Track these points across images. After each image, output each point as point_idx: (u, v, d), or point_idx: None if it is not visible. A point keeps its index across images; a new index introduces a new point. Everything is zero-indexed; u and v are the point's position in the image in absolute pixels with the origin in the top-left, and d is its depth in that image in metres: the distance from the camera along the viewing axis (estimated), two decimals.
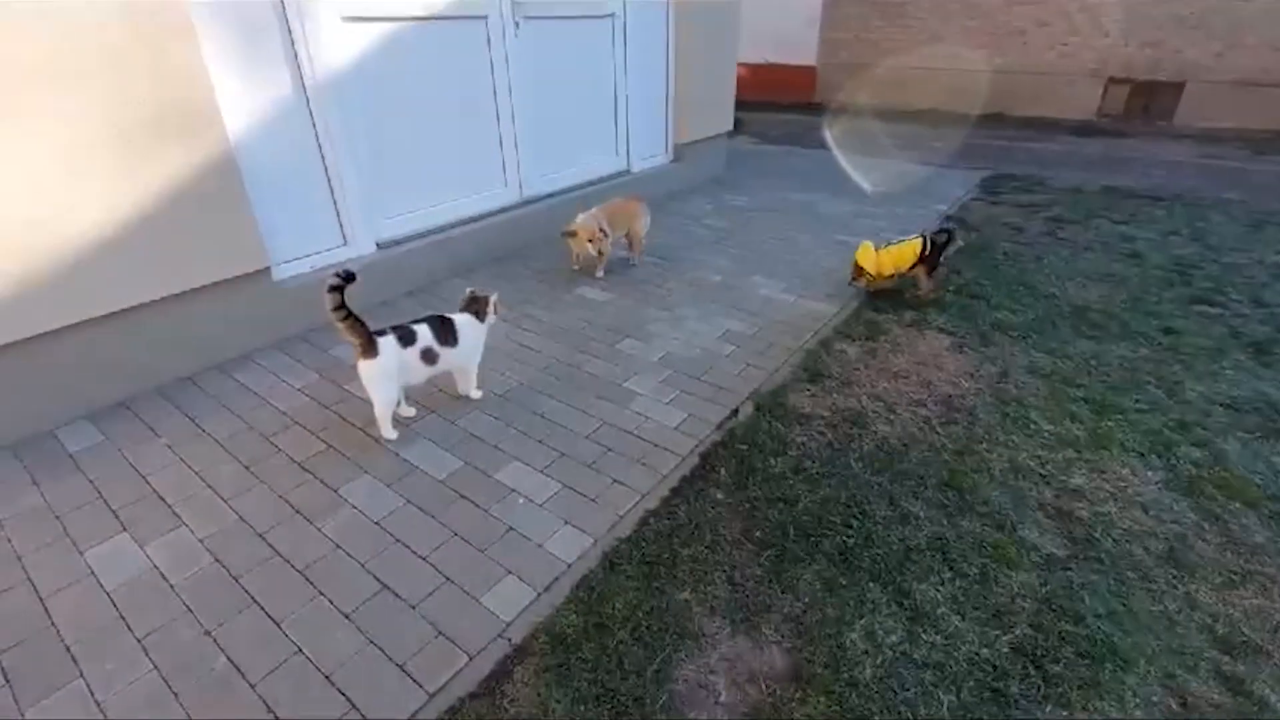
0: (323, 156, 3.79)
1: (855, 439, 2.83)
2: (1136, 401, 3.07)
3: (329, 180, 3.85)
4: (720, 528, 2.39)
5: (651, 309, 4.03)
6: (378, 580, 2.18)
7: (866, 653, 1.95)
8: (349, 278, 2.55)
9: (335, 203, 3.91)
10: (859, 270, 4.00)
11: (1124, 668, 1.91)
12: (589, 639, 1.97)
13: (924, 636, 1.99)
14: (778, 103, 12.22)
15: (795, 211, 5.90)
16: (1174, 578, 2.19)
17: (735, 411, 3.02)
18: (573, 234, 4.22)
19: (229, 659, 1.92)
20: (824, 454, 2.74)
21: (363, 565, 2.24)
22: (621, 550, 2.28)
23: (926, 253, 3.95)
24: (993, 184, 6.66)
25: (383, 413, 2.79)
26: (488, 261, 4.70)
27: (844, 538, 2.33)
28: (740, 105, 7.21)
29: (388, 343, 2.65)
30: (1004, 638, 1.99)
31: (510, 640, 1.97)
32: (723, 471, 2.66)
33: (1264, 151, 8.11)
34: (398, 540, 2.33)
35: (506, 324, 3.82)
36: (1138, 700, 1.83)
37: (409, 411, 3.00)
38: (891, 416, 2.98)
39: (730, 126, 6.84)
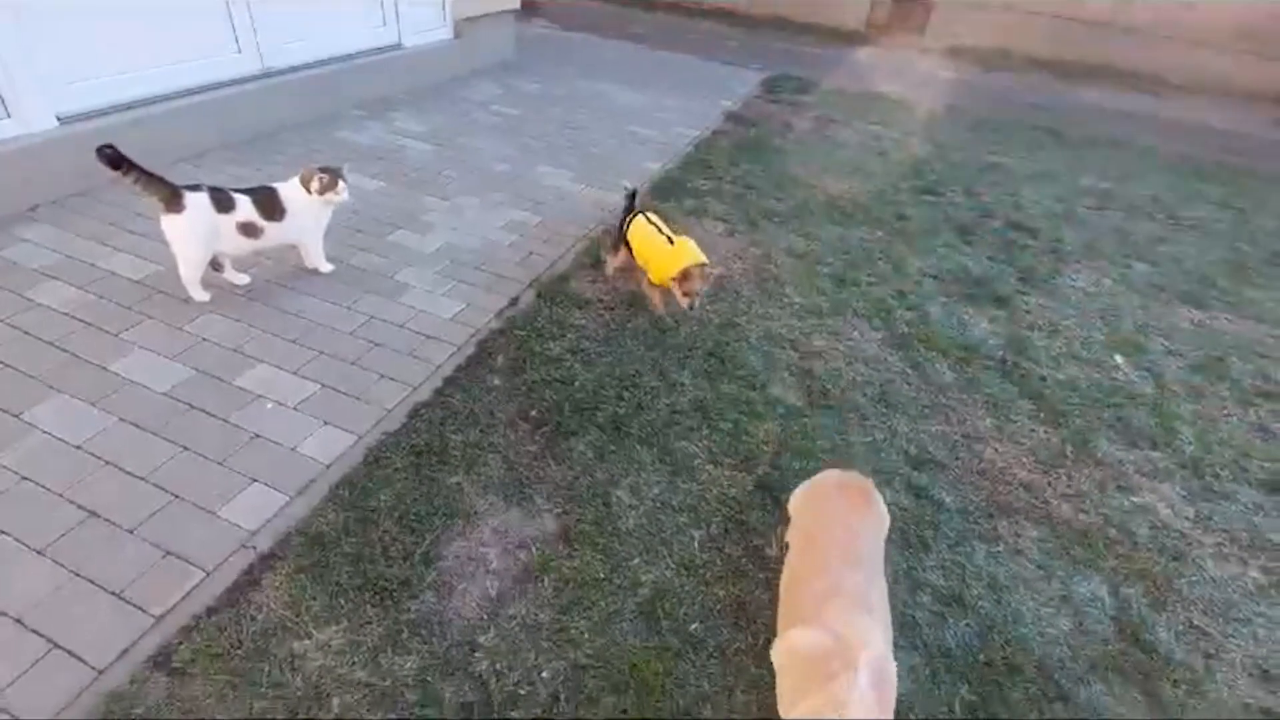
0: None
1: (632, 319, 2.92)
2: (869, 276, 3.52)
3: None
4: (495, 412, 2.36)
5: (429, 198, 3.72)
6: (81, 509, 1.85)
7: (631, 506, 2.09)
8: (106, 148, 2.30)
9: None
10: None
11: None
12: (350, 534, 1.87)
13: (682, 485, 2.18)
14: None
15: (589, 101, 5.71)
16: (882, 415, 2.62)
17: (515, 300, 2.95)
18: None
19: None
20: (601, 334, 2.80)
21: (60, 495, 1.88)
22: (388, 444, 2.16)
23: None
24: (773, 84, 6.99)
25: (189, 274, 2.59)
26: (225, 144, 3.96)
27: (616, 409, 2.44)
28: None
29: (198, 199, 2.43)
30: (748, 478, 2.25)
31: (256, 548, 1.81)
32: (500, 359, 2.60)
33: (990, 67, 9.43)
34: (107, 463, 1.98)
35: None
36: None
37: (242, 279, 2.79)
38: (667, 297, 3.11)
39: (517, 4, 6.30)
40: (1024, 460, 2.48)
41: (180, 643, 1.59)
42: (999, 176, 5.24)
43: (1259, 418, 2.85)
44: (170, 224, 2.42)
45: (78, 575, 1.70)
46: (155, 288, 2.71)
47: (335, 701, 1.54)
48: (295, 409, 2.25)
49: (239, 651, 1.59)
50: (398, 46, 5.20)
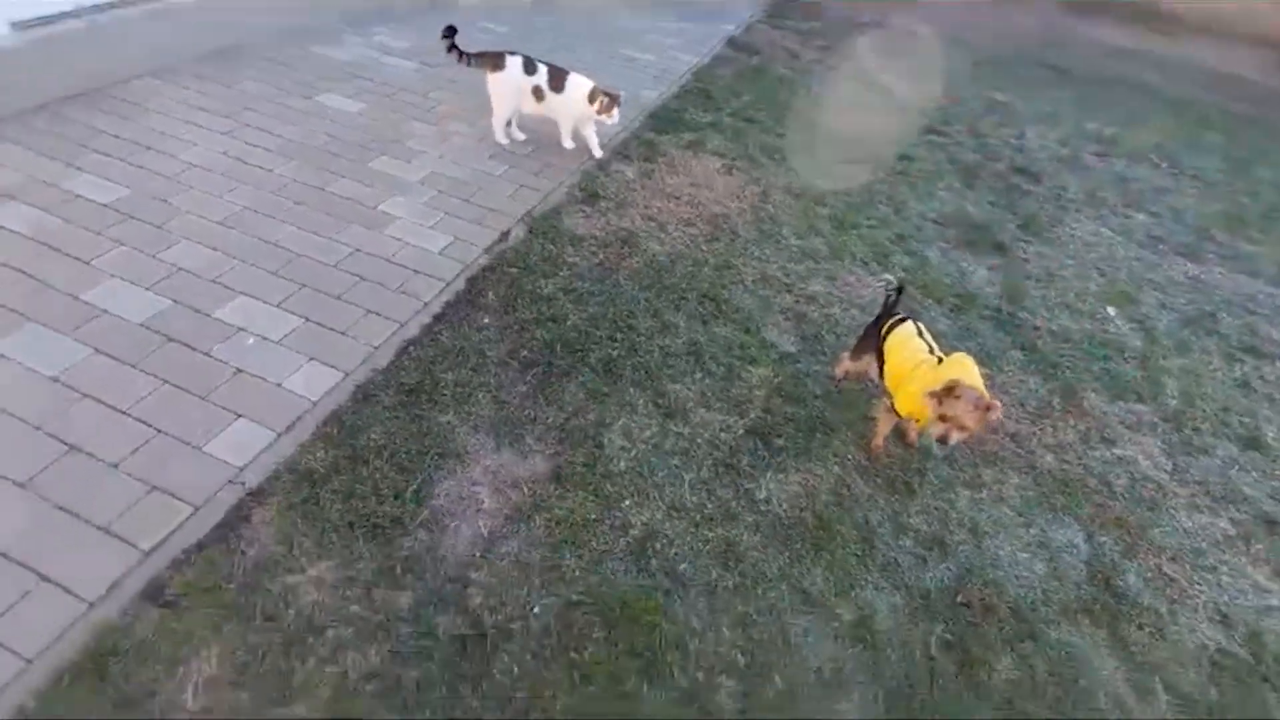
0: None
1: (626, 258, 2.85)
2: (869, 219, 3.45)
3: None
4: (486, 350, 2.32)
5: (413, 123, 3.53)
6: (61, 442, 1.81)
7: (623, 449, 2.09)
8: (449, 31, 3.14)
9: None
10: None
11: (830, 434, 2.28)
12: (340, 472, 1.86)
13: (674, 429, 2.18)
14: None
15: (583, 21, 5.39)
16: None
17: (506, 234, 2.85)
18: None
19: None
20: (595, 273, 2.73)
21: (37, 428, 1.83)
22: (377, 381, 2.12)
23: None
24: (778, 9, 6.63)
25: (498, 120, 3.37)
26: (196, 56, 3.69)
27: (609, 350, 2.40)
28: None
29: (515, 61, 3.16)
30: (740, 422, 2.25)
31: (245, 484, 1.79)
32: (491, 295, 2.54)
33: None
34: (85, 395, 1.93)
35: (224, 137, 3.11)
36: (837, 459, 2.21)
37: (520, 136, 3.49)
38: (662, 235, 3.03)
39: None
40: (1012, 411, 2.50)
41: (172, 576, 1.59)
42: (1004, 116, 5.08)
43: (1242, 374, 2.88)
44: (494, 80, 3.19)
45: (61, 509, 1.67)
46: (127, 213, 2.57)
47: (330, 634, 1.56)
48: (278, 343, 2.18)
49: (231, 585, 1.60)
50: None
